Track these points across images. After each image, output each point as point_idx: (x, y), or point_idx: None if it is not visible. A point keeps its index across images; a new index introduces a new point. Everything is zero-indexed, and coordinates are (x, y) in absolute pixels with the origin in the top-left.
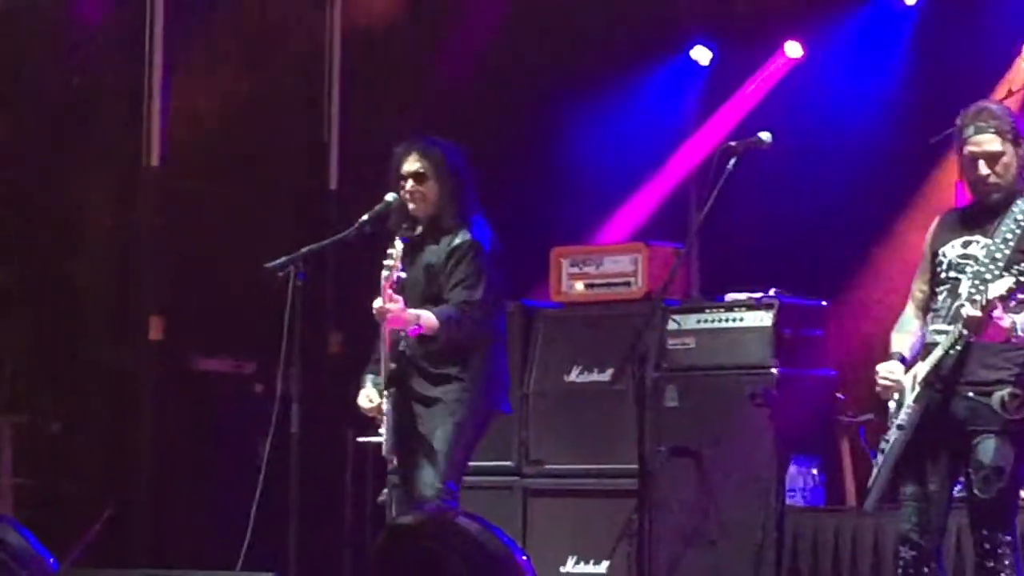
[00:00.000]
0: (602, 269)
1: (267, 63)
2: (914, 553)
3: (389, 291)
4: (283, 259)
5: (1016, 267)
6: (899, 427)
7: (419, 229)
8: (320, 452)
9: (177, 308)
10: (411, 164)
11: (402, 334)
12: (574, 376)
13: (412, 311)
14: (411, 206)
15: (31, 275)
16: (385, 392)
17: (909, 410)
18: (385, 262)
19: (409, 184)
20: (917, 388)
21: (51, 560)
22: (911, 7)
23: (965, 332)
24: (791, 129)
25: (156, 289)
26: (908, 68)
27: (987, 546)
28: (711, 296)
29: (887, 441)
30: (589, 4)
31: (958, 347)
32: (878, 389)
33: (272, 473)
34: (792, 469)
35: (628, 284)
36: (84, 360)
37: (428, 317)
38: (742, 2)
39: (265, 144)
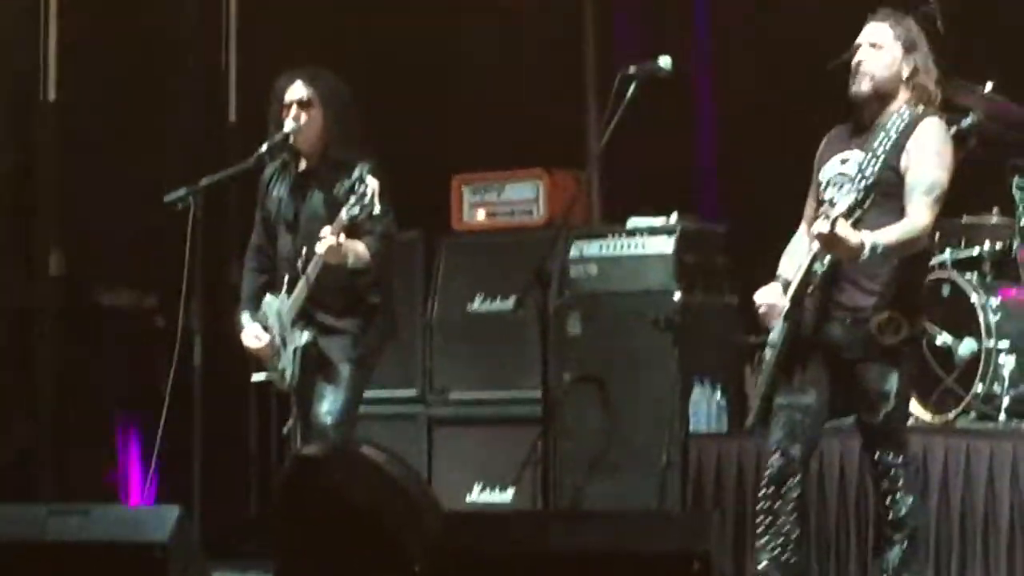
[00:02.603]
0: (503, 196)
1: None
2: (782, 461)
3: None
4: (183, 191)
5: (879, 186)
6: (770, 345)
7: (303, 163)
8: (223, 384)
9: (78, 243)
10: (296, 92)
11: (312, 271)
12: (477, 304)
13: (353, 244)
14: (296, 137)
15: None
16: (292, 325)
17: (778, 328)
18: (360, 200)
19: (294, 111)
20: (787, 305)
21: None
22: None
23: (819, 249)
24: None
25: (56, 224)
26: None
27: (880, 468)
28: (613, 222)
29: (762, 361)
30: None
31: (821, 266)
32: (757, 316)
33: (176, 407)
34: (695, 394)
35: (530, 212)
36: None
37: (364, 251)
38: None
39: (163, 76)
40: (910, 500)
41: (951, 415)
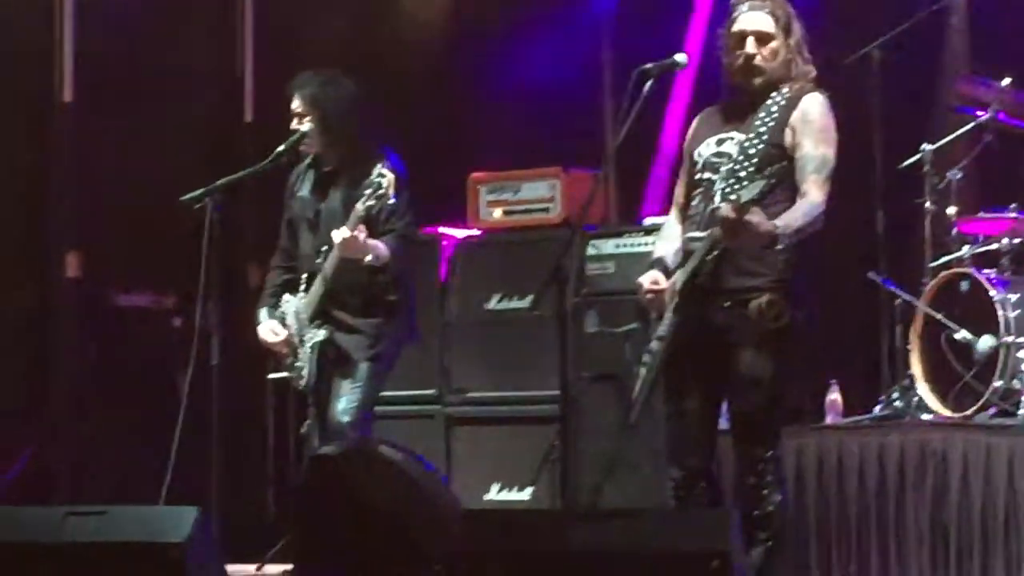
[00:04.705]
0: (520, 195)
1: None
2: (682, 473)
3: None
4: (199, 191)
5: (770, 167)
6: (659, 338)
7: (325, 165)
8: (241, 384)
9: (94, 244)
10: (294, 103)
11: (329, 266)
12: (494, 303)
13: (371, 241)
14: (305, 141)
15: None
16: (310, 322)
17: (667, 321)
18: (375, 192)
19: (295, 121)
20: (676, 298)
21: None
22: None
23: (719, 236)
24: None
25: (72, 226)
26: None
27: (747, 461)
28: (629, 220)
29: (650, 353)
30: None
31: (715, 252)
32: (643, 302)
33: (193, 407)
34: None
35: (546, 210)
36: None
37: (383, 248)
38: None
39: (179, 77)
40: (778, 497)
41: (970, 411)
